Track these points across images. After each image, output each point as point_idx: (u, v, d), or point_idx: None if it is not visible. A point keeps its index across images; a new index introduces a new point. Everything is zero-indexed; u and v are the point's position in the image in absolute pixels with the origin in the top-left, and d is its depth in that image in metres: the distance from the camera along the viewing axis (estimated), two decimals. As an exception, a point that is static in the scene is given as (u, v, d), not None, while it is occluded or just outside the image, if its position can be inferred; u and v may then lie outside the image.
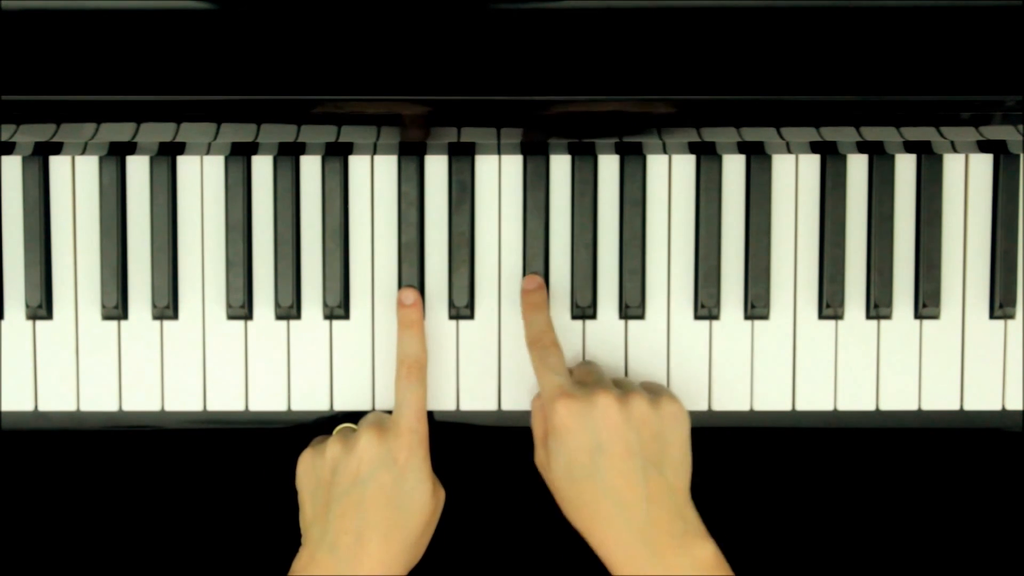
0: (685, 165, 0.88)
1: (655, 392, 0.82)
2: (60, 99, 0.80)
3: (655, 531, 0.77)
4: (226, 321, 0.88)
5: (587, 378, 0.83)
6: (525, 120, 0.82)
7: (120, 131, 0.83)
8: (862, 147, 0.87)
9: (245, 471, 0.91)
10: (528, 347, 0.84)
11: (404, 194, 0.87)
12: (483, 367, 0.88)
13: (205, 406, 0.88)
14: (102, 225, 0.87)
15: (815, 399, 0.88)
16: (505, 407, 0.88)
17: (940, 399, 0.88)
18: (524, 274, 0.87)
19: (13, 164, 0.87)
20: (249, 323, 0.88)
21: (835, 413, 0.88)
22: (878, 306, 0.87)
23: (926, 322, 0.88)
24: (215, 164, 0.87)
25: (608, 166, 0.88)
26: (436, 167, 0.88)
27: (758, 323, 0.88)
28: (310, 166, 0.88)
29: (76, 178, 0.88)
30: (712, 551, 0.78)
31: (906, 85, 0.79)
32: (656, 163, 0.88)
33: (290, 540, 0.83)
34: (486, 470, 0.90)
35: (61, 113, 0.81)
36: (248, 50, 0.79)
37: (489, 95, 0.80)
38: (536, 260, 0.87)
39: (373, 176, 0.88)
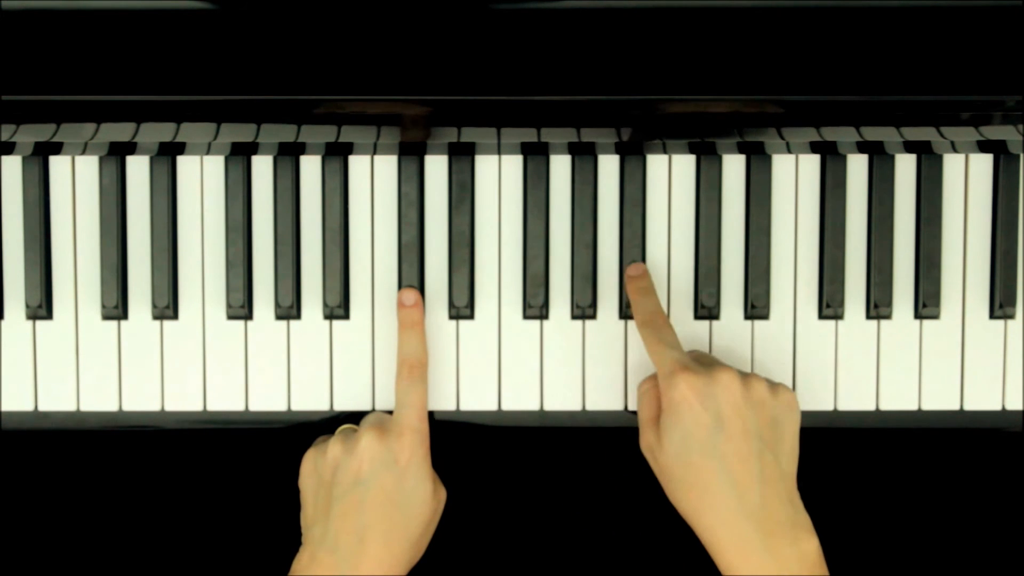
0: (685, 165, 0.88)
1: (772, 381, 0.82)
2: (60, 99, 0.80)
3: (767, 516, 0.76)
4: (226, 321, 0.88)
5: (703, 359, 0.82)
6: (525, 120, 0.82)
7: (120, 131, 0.83)
8: (862, 147, 0.87)
9: (245, 471, 0.91)
10: (640, 328, 0.84)
11: (404, 194, 0.87)
12: (483, 367, 0.88)
13: (205, 406, 0.88)
14: (102, 225, 0.87)
15: (816, 399, 0.88)
16: (505, 407, 0.88)
17: (940, 399, 0.88)
18: (525, 274, 0.87)
19: (13, 164, 0.87)
20: (249, 323, 0.88)
21: (835, 413, 0.88)
22: (878, 306, 0.87)
23: (926, 322, 0.88)
24: (215, 164, 0.87)
25: (608, 166, 0.88)
26: (436, 167, 0.88)
27: (758, 323, 0.88)
28: (310, 166, 0.88)
29: (76, 178, 0.88)
30: (817, 547, 0.77)
31: (906, 85, 0.79)
32: (656, 163, 0.88)
33: (290, 540, 0.83)
34: (486, 470, 0.90)
35: (61, 113, 0.81)
36: (248, 50, 0.79)
37: (489, 95, 0.80)
38: (536, 260, 0.87)
39: (373, 176, 0.88)
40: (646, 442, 0.82)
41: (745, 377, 0.80)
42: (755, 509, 0.76)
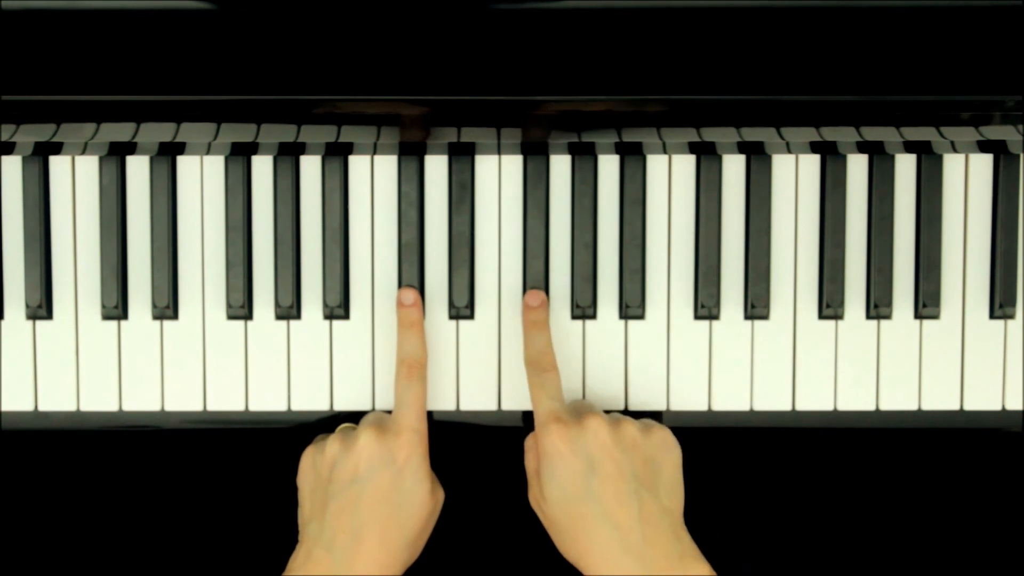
0: (685, 165, 0.88)
1: (645, 423, 0.83)
2: (60, 99, 0.80)
3: (651, 553, 0.77)
4: (226, 321, 0.88)
5: (579, 408, 0.83)
6: (525, 120, 0.82)
7: (120, 131, 0.83)
8: (862, 147, 0.87)
9: (245, 471, 0.91)
10: (526, 366, 0.84)
11: (404, 194, 0.87)
12: (483, 367, 0.88)
13: (205, 406, 0.88)
14: (102, 225, 0.87)
15: (815, 399, 0.88)
16: (505, 407, 0.88)
17: (940, 399, 0.88)
18: (525, 274, 0.87)
19: (13, 164, 0.87)
20: (249, 323, 0.88)
21: (835, 413, 0.88)
22: (878, 306, 0.87)
23: (926, 322, 0.88)
24: (215, 164, 0.87)
25: (608, 166, 0.88)
26: (436, 167, 0.88)
27: (758, 323, 0.88)
28: (310, 166, 0.88)
29: (76, 178, 0.88)
30: (708, 573, 0.77)
31: (906, 85, 0.79)
32: (656, 163, 0.88)
33: (290, 540, 0.83)
34: (486, 470, 0.90)
35: (61, 113, 0.81)
36: (248, 50, 0.79)
37: (489, 95, 0.80)
38: (536, 260, 0.87)
39: (373, 176, 0.88)
40: (532, 496, 0.82)
41: (615, 422, 0.80)
42: (639, 548, 0.76)
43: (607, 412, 0.84)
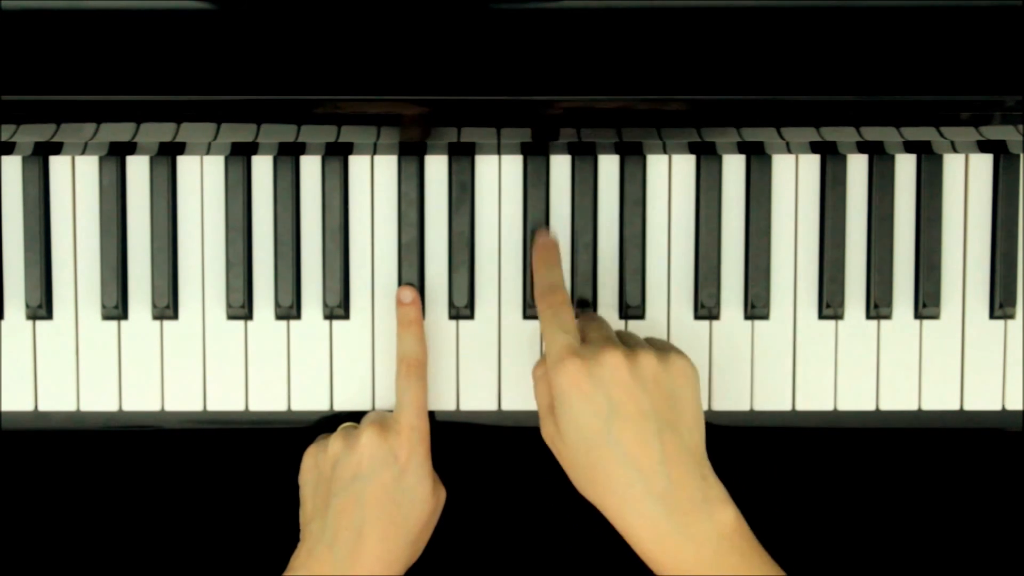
0: (685, 165, 0.88)
1: (662, 348, 0.79)
2: (60, 99, 0.80)
3: (676, 496, 0.73)
4: (226, 321, 0.88)
5: (592, 334, 0.79)
6: (525, 120, 0.82)
7: (120, 131, 0.83)
8: (862, 147, 0.87)
9: (245, 471, 0.91)
10: (536, 300, 0.81)
11: (404, 194, 0.87)
12: (483, 367, 0.88)
13: (205, 406, 0.88)
14: (102, 225, 0.87)
15: (815, 399, 0.88)
16: (505, 407, 0.88)
17: (940, 399, 0.88)
18: (525, 274, 0.87)
19: (13, 164, 0.87)
20: (249, 323, 0.88)
21: (835, 413, 0.88)
22: (878, 306, 0.87)
23: (926, 322, 0.88)
24: (215, 164, 0.87)
25: (608, 166, 0.88)
26: (436, 167, 0.88)
27: (758, 323, 0.88)
28: (310, 166, 0.88)
29: (76, 178, 0.87)
30: (734, 515, 0.74)
31: (906, 85, 0.79)
32: (656, 163, 0.88)
33: (290, 540, 0.83)
34: (486, 470, 0.90)
35: (61, 113, 0.81)
36: (248, 50, 0.79)
37: (489, 95, 0.80)
38: (536, 260, 0.87)
39: (373, 176, 0.88)
40: (547, 432, 0.79)
41: (632, 354, 0.76)
42: (663, 491, 0.73)
43: (620, 335, 0.81)
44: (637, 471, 0.73)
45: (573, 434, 0.75)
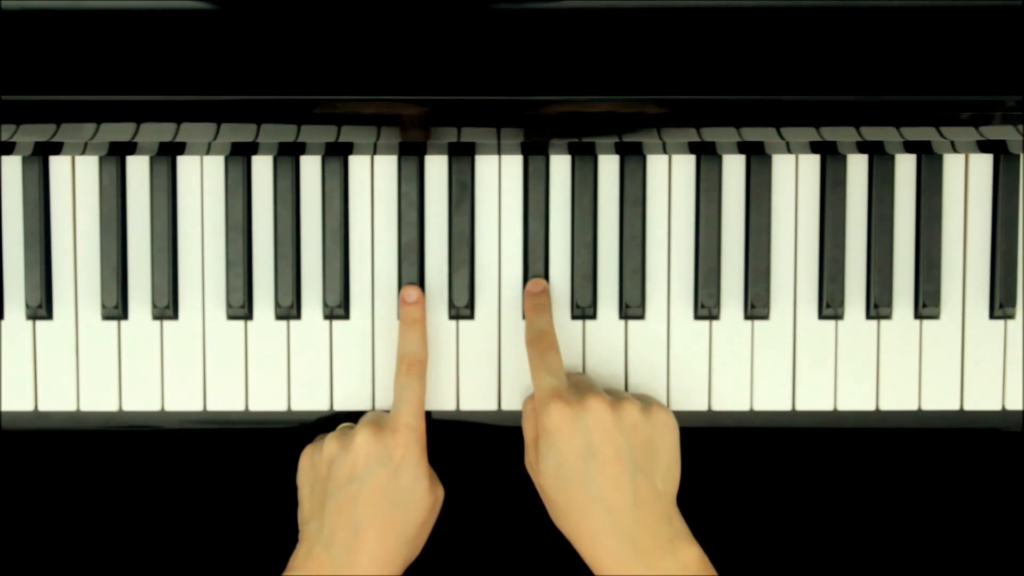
0: (685, 165, 0.88)
1: (646, 401, 0.83)
2: (60, 99, 0.80)
3: (642, 535, 0.77)
4: (226, 321, 0.88)
5: (580, 385, 0.83)
6: (525, 120, 0.82)
7: (120, 131, 0.83)
8: (862, 147, 0.87)
9: (245, 471, 0.91)
10: (527, 346, 0.84)
11: (404, 194, 0.87)
12: (483, 367, 0.88)
13: (205, 406, 0.88)
14: (102, 225, 0.87)
15: (815, 399, 0.88)
16: (505, 407, 0.88)
17: (940, 399, 0.88)
18: (525, 274, 0.88)
19: (13, 164, 0.87)
20: (249, 323, 0.88)
21: (835, 413, 0.88)
22: (878, 306, 0.87)
23: (926, 322, 0.88)
24: (215, 164, 0.87)
25: (608, 166, 0.88)
26: (436, 167, 0.88)
27: (758, 323, 0.88)
28: (310, 166, 0.88)
29: (76, 178, 0.88)
30: (697, 553, 0.78)
31: (906, 85, 0.79)
32: (656, 163, 0.88)
33: (290, 540, 0.83)
34: (486, 470, 0.90)
35: (61, 113, 0.81)
36: (248, 50, 0.79)
37: (489, 95, 0.80)
38: (536, 260, 0.87)
39: (373, 176, 0.88)
40: (529, 462, 0.83)
41: (617, 402, 0.80)
42: (630, 530, 0.77)
43: (608, 390, 0.84)
44: (608, 511, 0.78)
45: (554, 470, 0.79)
